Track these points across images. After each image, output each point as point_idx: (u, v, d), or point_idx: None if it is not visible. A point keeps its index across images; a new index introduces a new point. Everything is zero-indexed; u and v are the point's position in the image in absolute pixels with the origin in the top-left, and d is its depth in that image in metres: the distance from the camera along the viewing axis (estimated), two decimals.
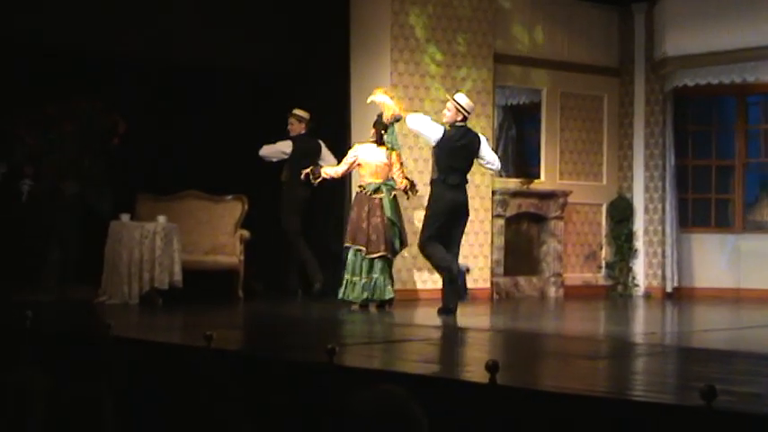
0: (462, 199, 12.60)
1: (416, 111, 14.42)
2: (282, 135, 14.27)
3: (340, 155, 14.14)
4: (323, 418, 6.11)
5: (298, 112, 14.21)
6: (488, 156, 12.77)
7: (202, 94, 14.33)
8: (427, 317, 12.19)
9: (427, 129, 12.65)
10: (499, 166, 13.32)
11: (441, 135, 12.47)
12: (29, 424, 4.95)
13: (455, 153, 12.52)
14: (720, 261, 16.38)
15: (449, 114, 12.57)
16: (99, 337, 9.07)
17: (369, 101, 13.35)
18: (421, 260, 14.32)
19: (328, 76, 14.96)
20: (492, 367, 6.03)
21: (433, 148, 12.74)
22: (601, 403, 5.93)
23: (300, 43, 14.82)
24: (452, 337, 9.89)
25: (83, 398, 6.62)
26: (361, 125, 14.45)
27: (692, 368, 8.28)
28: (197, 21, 14.02)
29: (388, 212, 13.08)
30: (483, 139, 12.82)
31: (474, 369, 6.66)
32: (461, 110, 12.50)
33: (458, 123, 12.55)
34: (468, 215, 12.81)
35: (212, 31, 14.13)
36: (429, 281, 14.56)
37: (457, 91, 13.44)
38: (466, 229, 13.61)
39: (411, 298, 14.20)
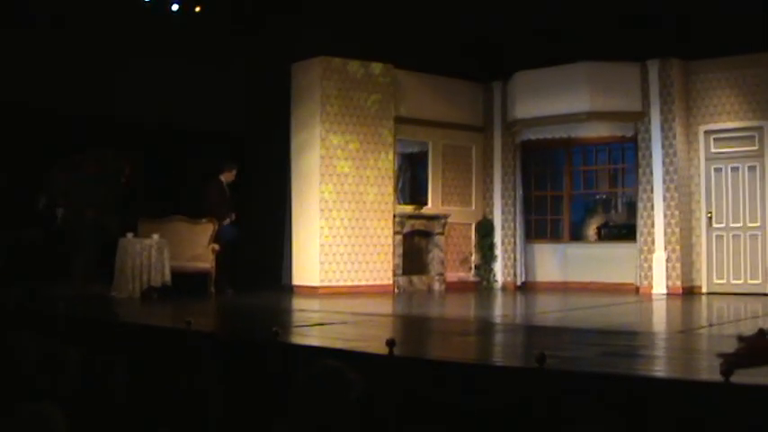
0: None
1: (339, 157, 14.54)
2: (242, 177, 14.30)
3: (280, 198, 14.34)
4: (279, 384, 6.06)
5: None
6: None
7: (187, 148, 14.33)
8: (347, 305, 12.13)
9: None
10: None
11: None
12: (61, 384, 4.92)
13: None
14: (554, 262, 16.54)
15: None
16: (110, 322, 9.03)
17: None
18: (341, 265, 14.43)
19: (275, 136, 15.01)
20: (390, 343, 6.04)
21: None
22: (471, 368, 5.94)
23: (255, 112, 14.87)
24: (363, 321, 9.86)
25: (101, 364, 6.57)
26: (299, 176, 14.57)
27: (533, 340, 8.32)
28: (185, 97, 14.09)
29: None
30: None
31: (377, 344, 6.65)
32: None
33: None
34: None
35: (200, 107, 14.20)
36: (348, 279, 14.60)
37: None
38: (376, 241, 14.36)
39: (336, 292, 14.25)
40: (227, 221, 14.02)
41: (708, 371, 5.43)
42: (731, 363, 4.95)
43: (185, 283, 13.29)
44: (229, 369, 6.88)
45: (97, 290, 12.72)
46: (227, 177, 14.10)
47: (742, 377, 4.75)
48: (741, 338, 6.04)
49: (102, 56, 13.27)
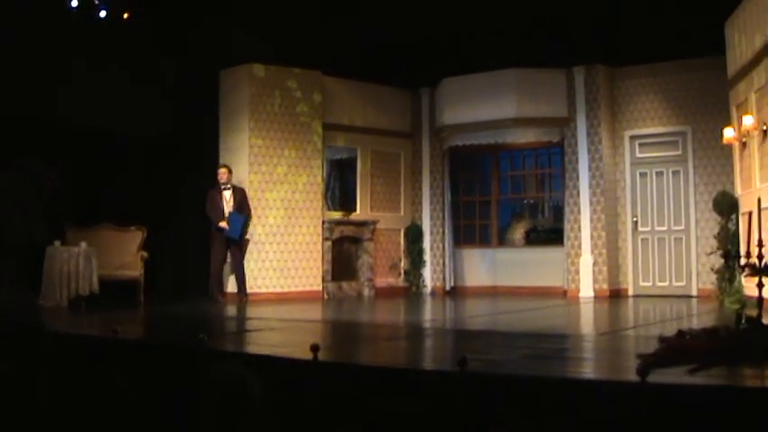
0: None
1: (267, 164, 14.48)
2: (170, 184, 14.15)
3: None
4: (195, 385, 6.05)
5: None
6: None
7: (117, 154, 14.20)
8: (276, 312, 12.08)
9: None
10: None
11: None
12: None
13: None
14: (482, 267, 16.67)
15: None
16: (37, 332, 8.90)
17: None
18: (270, 271, 14.35)
19: (205, 143, 14.91)
20: (315, 348, 6.03)
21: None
22: (393, 372, 5.96)
23: (186, 119, 14.78)
24: (290, 327, 9.82)
25: (24, 373, 6.47)
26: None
27: (459, 344, 8.38)
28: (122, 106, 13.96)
29: None
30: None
31: (302, 350, 6.62)
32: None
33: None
34: None
35: (128, 113, 14.05)
36: (277, 286, 14.55)
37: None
38: (305, 248, 14.55)
39: (265, 299, 14.17)
40: (222, 225, 13.96)
41: (628, 371, 5.50)
42: (649, 363, 5.03)
43: (113, 291, 13.15)
44: (156, 377, 6.81)
45: (25, 298, 12.54)
46: (220, 178, 14.09)
47: (660, 377, 4.83)
48: (662, 339, 6.14)
49: (28, 60, 13.08)
